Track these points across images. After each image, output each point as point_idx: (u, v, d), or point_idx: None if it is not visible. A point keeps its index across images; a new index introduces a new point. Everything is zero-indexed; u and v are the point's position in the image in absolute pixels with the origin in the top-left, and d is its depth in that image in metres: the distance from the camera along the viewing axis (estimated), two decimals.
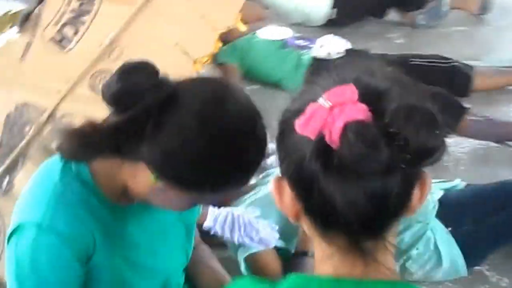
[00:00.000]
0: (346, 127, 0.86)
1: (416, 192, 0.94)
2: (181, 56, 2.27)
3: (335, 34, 3.98)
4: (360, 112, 0.88)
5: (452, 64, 3.45)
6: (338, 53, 3.49)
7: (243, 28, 2.69)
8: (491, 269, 2.45)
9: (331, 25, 4.22)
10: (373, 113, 0.88)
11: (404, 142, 0.86)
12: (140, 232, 1.47)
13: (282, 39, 3.63)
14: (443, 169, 2.98)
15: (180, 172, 1.24)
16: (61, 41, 2.28)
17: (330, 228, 0.93)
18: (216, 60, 3.68)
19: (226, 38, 3.72)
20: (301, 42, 3.60)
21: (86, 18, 2.27)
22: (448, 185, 2.52)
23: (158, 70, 1.26)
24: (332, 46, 3.52)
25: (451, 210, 2.36)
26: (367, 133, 0.86)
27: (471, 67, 3.48)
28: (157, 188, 1.29)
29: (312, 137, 0.88)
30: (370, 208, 0.89)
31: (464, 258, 2.35)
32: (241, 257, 2.27)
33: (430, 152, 0.88)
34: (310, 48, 3.56)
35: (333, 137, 0.87)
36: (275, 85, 3.63)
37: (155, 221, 1.50)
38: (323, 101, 0.90)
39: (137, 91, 1.22)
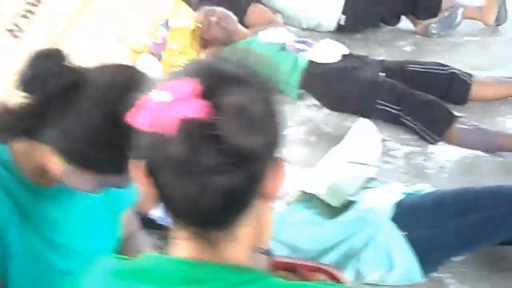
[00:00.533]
0: (180, 124, 0.89)
1: (270, 181, 0.97)
2: (123, 50, 2.31)
3: (345, 40, 3.98)
4: (197, 108, 0.90)
5: (451, 71, 3.39)
6: (335, 57, 3.46)
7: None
8: (451, 277, 2.39)
9: (342, 31, 4.20)
10: (213, 110, 0.90)
11: (226, 143, 0.88)
12: (61, 213, 1.51)
13: (282, 42, 3.62)
14: (424, 175, 2.94)
15: (82, 155, 1.29)
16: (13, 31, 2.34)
17: (179, 216, 0.97)
18: None
19: (229, 39, 3.76)
20: (300, 46, 3.59)
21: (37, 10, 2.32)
22: (412, 189, 2.47)
23: (66, 57, 1.32)
24: (329, 50, 3.50)
25: (407, 214, 2.31)
26: (194, 132, 0.89)
27: (470, 75, 3.40)
28: (66, 171, 1.33)
29: (144, 129, 0.92)
30: (207, 203, 0.92)
31: (421, 264, 2.29)
32: None
33: (248, 155, 0.91)
34: (307, 51, 3.54)
35: (167, 132, 0.90)
36: None
37: (78, 204, 1.54)
38: (160, 95, 0.92)
39: (43, 77, 1.28)
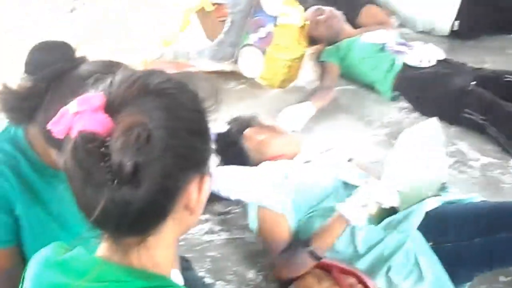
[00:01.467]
0: (76, 136, 0.95)
1: (190, 195, 1.03)
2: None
3: (458, 46, 3.99)
4: (97, 122, 0.95)
5: None
6: (429, 61, 3.52)
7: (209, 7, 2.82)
8: None
9: (456, 36, 4.20)
10: (112, 125, 0.95)
11: (110, 161, 0.93)
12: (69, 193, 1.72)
13: (382, 43, 3.72)
14: (498, 189, 2.93)
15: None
16: None
17: (87, 219, 1.02)
18: (319, 58, 3.89)
19: (334, 38, 3.92)
20: (399, 48, 3.67)
21: None
22: (456, 197, 2.47)
23: (70, 48, 1.51)
24: (425, 54, 3.55)
25: (434, 224, 2.27)
26: (85, 146, 0.94)
27: None
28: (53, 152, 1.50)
29: (59, 137, 0.99)
30: (102, 213, 0.96)
31: (449, 276, 2.24)
32: (252, 210, 2.43)
33: (135, 172, 0.94)
34: (405, 54, 3.62)
35: (71, 142, 0.97)
36: (369, 87, 3.75)
37: None
38: (73, 106, 0.98)
39: (46, 62, 1.46)
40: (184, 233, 1.11)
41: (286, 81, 3.81)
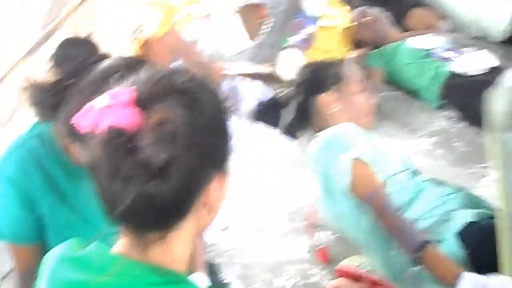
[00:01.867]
0: (106, 130, 0.96)
1: (210, 193, 1.03)
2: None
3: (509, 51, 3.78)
4: (127, 116, 0.96)
5: None
6: (477, 70, 3.32)
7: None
8: None
9: (510, 43, 3.97)
10: (143, 120, 0.96)
11: (140, 155, 0.95)
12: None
13: (428, 49, 3.54)
14: None
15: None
16: None
17: (110, 214, 1.03)
18: (363, 62, 3.72)
19: (379, 41, 3.75)
20: (446, 54, 3.48)
21: None
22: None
23: (95, 47, 1.50)
24: (474, 61, 3.35)
25: (477, 233, 2.06)
26: (115, 140, 0.96)
27: None
28: (74, 148, 1.50)
29: (86, 131, 0.99)
30: (126, 207, 0.97)
31: None
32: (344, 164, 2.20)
33: (163, 167, 0.95)
34: (452, 61, 3.43)
35: (98, 136, 0.97)
36: (414, 93, 3.57)
37: None
38: (102, 100, 0.99)
39: (71, 56, 1.49)
40: (202, 231, 1.11)
41: None
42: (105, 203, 1.02)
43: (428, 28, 3.92)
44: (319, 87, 2.45)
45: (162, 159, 0.95)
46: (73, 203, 1.65)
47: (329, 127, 2.34)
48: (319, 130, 2.37)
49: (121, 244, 1.06)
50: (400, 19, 4.01)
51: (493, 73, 3.31)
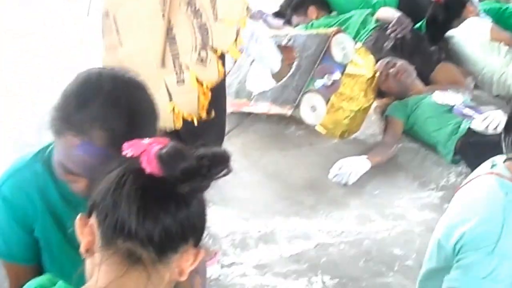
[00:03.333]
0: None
1: (188, 259, 1.19)
2: None
3: None
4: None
5: None
6: (495, 129, 3.35)
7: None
8: None
9: None
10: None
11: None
12: None
13: (451, 105, 3.59)
14: None
15: None
16: None
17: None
18: (384, 112, 3.78)
19: (404, 93, 3.82)
20: (467, 111, 3.53)
21: None
22: None
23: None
24: (493, 121, 3.40)
25: None
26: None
27: None
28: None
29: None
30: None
31: None
32: None
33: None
34: (472, 118, 3.48)
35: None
36: (431, 146, 3.61)
37: None
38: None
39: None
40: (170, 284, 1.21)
41: (347, 132, 3.72)
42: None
43: (454, 84, 3.97)
44: None
45: None
46: (68, 230, 1.55)
47: None
48: None
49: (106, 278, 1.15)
50: (427, 72, 4.08)
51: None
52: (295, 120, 3.73)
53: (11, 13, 5.15)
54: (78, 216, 1.21)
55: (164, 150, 1.13)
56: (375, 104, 3.88)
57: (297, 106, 3.57)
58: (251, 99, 3.78)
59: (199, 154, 1.15)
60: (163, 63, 2.44)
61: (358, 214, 3.10)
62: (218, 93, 2.55)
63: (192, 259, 1.20)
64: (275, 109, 3.65)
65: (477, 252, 1.77)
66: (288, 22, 4.90)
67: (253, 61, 3.97)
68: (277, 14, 5.12)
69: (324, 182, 3.32)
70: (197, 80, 2.45)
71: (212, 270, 2.71)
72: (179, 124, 2.48)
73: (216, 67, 2.49)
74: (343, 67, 3.68)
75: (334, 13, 4.81)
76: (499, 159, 1.95)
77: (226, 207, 3.12)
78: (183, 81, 2.45)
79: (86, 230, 1.19)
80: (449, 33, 4.34)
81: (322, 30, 3.92)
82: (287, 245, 2.89)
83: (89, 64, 1.67)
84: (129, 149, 1.15)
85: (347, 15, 4.61)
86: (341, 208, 3.14)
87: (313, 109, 3.59)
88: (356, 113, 3.73)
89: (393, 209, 3.15)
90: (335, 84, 3.65)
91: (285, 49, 3.94)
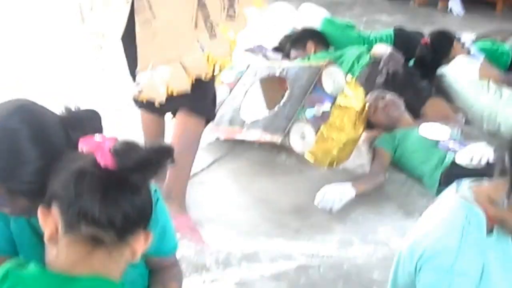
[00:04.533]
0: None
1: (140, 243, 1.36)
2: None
3: None
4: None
5: None
6: (479, 162, 3.45)
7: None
8: None
9: None
10: None
11: None
12: None
13: (437, 140, 3.69)
14: None
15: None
16: None
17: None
18: (373, 143, 3.88)
19: (392, 125, 3.92)
20: (453, 145, 3.63)
21: None
22: None
23: None
24: (477, 154, 3.49)
25: None
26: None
27: None
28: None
29: None
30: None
31: None
32: None
33: None
34: (456, 151, 3.57)
35: None
36: (417, 178, 3.70)
37: None
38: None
39: None
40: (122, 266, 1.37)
41: (335, 161, 3.82)
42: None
43: (443, 118, 4.07)
44: None
45: None
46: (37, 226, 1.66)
47: None
48: None
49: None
50: (418, 107, 4.19)
51: (489, 169, 3.44)
52: (286, 149, 3.84)
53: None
54: (39, 208, 1.34)
55: (117, 146, 1.29)
56: (364, 135, 3.98)
57: (286, 135, 3.67)
58: (243, 127, 3.88)
59: (148, 147, 1.32)
60: (196, 26, 2.88)
61: (340, 238, 3.18)
62: None
63: (143, 241, 1.37)
64: (266, 137, 3.76)
65: (435, 270, 1.84)
66: (287, 56, 5.05)
67: (247, 91, 4.12)
68: (277, 49, 5.29)
69: (309, 207, 3.41)
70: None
71: (195, 286, 2.80)
72: (210, 73, 2.96)
73: (243, 18, 2.96)
74: (333, 98, 3.80)
75: (331, 49, 4.97)
76: (465, 182, 2.02)
77: (214, 227, 3.22)
78: (215, 35, 2.90)
79: (49, 219, 1.32)
80: (440, 70, 4.47)
81: (315, 62, 4.06)
82: (269, 265, 2.97)
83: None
84: (84, 146, 1.32)
85: (343, 50, 4.76)
86: (324, 232, 3.22)
87: (302, 137, 3.70)
88: (345, 144, 3.83)
89: (375, 236, 3.22)
90: (325, 114, 3.76)
91: (278, 79, 4.08)
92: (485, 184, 1.95)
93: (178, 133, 3.15)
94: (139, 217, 1.34)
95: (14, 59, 5.35)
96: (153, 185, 1.75)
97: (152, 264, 1.91)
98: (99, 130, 1.55)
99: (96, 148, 1.30)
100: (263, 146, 3.97)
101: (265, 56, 5.47)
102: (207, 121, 3.27)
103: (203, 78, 2.96)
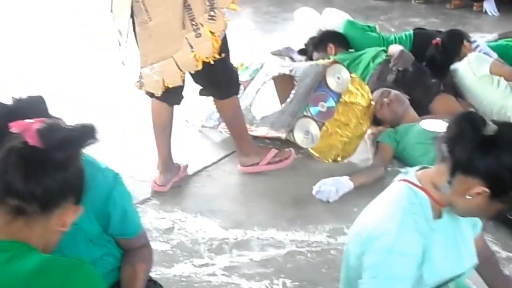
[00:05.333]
0: None
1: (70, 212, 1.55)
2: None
3: None
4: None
5: None
6: None
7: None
8: None
9: None
10: None
11: None
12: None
13: (437, 132, 3.75)
14: None
15: None
16: None
17: None
18: (377, 138, 3.98)
19: (396, 121, 4.01)
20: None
21: None
22: None
23: None
24: None
25: None
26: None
27: None
28: None
29: None
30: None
31: None
32: None
33: None
34: None
35: None
36: None
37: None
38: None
39: None
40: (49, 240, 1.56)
41: (340, 156, 3.93)
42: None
43: (451, 114, 4.12)
44: None
45: None
46: None
47: None
48: None
49: None
50: (426, 103, 4.27)
51: None
52: (295, 144, 3.97)
53: None
54: None
55: (42, 126, 1.47)
56: (369, 131, 4.08)
57: (291, 131, 3.82)
58: (253, 124, 4.04)
59: (70, 127, 1.50)
60: (183, 26, 3.19)
61: (331, 228, 3.29)
62: (224, 41, 3.34)
63: (72, 213, 1.55)
64: (272, 133, 3.91)
65: (377, 252, 1.93)
66: (310, 58, 5.20)
67: (259, 89, 4.28)
68: (302, 51, 5.47)
69: (308, 199, 3.54)
70: (210, 31, 3.20)
71: (185, 270, 2.97)
72: (200, 66, 3.26)
73: (222, 20, 3.23)
74: (337, 96, 3.92)
75: (351, 50, 5.08)
76: (412, 169, 2.12)
77: (211, 217, 3.39)
78: (200, 34, 3.21)
79: None
80: (453, 66, 4.53)
81: (322, 61, 4.18)
82: (259, 252, 3.12)
83: None
84: (14, 127, 1.49)
85: (362, 52, 4.87)
86: (317, 222, 3.34)
87: (306, 133, 3.84)
88: (350, 139, 3.95)
89: None
90: (330, 110, 3.89)
91: (289, 77, 4.22)
92: (429, 169, 2.06)
93: (224, 115, 3.75)
94: (64, 191, 1.51)
95: (14, 59, 5.64)
96: (112, 170, 1.97)
97: (122, 245, 2.10)
98: (44, 114, 1.71)
99: (24, 129, 1.48)
100: (274, 142, 4.10)
101: (291, 58, 5.65)
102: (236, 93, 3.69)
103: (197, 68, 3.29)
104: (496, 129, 1.87)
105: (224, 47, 3.35)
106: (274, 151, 3.83)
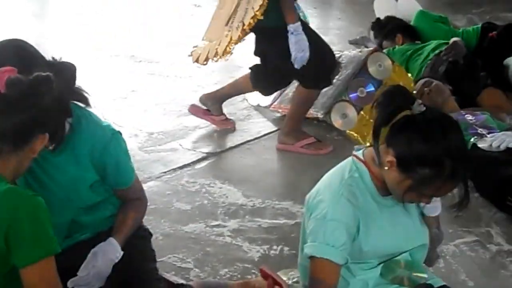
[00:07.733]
0: None
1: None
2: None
3: None
4: None
5: None
6: (498, 147, 3.56)
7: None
8: None
9: None
10: None
11: None
12: (54, 173, 2.28)
13: (470, 123, 3.83)
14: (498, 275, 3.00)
15: None
16: None
17: None
18: None
19: None
20: (481, 130, 3.76)
21: None
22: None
23: None
24: (497, 140, 3.59)
25: None
26: None
27: None
28: None
29: None
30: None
31: None
32: None
33: None
34: (483, 137, 3.70)
35: None
36: None
37: (60, 170, 2.27)
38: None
39: None
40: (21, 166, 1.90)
41: None
42: None
43: (497, 107, 4.18)
44: None
45: None
46: (39, 178, 2.26)
47: None
48: None
49: None
50: (474, 96, 4.33)
51: (506, 153, 3.55)
52: (339, 130, 4.15)
53: None
54: None
55: (11, 76, 1.81)
56: None
57: (328, 112, 4.03)
58: None
59: (32, 77, 1.84)
60: (226, 23, 3.73)
61: None
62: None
63: (40, 142, 1.89)
64: (311, 114, 4.12)
65: (315, 218, 2.15)
66: (380, 46, 5.32)
67: None
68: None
69: None
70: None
71: (197, 228, 3.27)
72: (231, 46, 3.69)
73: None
74: (378, 83, 4.08)
75: (418, 42, 5.16)
76: (364, 145, 2.29)
77: (238, 186, 3.66)
78: (228, 35, 3.71)
79: None
80: (506, 61, 4.55)
81: (365, 49, 4.34)
82: (269, 220, 3.36)
83: None
84: None
85: (426, 44, 4.96)
86: None
87: (343, 116, 4.03)
88: None
89: None
90: (368, 96, 4.04)
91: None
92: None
93: (297, 95, 3.96)
94: (31, 129, 1.85)
95: None
96: (113, 128, 2.31)
97: (119, 197, 2.44)
98: (74, 78, 2.27)
99: None
100: (321, 124, 4.28)
101: (366, 47, 5.79)
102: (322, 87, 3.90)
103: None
104: (423, 110, 2.03)
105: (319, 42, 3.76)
106: (312, 139, 4.00)
